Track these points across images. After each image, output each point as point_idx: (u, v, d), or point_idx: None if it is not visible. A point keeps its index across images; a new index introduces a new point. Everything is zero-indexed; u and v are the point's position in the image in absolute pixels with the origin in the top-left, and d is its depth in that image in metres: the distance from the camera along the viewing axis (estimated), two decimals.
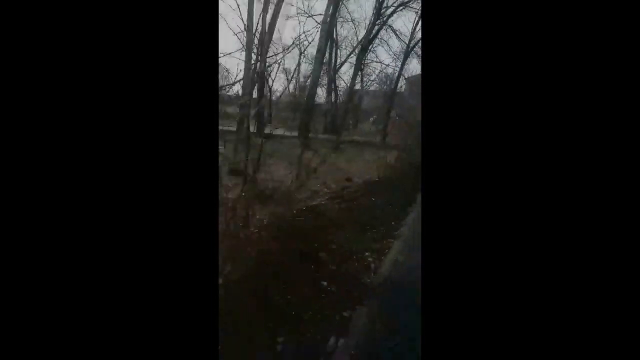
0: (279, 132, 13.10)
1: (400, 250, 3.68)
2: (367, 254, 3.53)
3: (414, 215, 4.91)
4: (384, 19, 14.80)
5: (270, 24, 13.86)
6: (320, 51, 12.84)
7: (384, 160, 8.82)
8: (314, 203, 5.25)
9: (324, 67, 18.66)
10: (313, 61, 13.42)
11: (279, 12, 13.22)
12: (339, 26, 15.67)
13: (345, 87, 16.72)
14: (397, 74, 16.11)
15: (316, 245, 3.58)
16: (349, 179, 7.38)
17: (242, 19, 12.93)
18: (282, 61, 18.97)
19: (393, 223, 4.52)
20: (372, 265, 3.30)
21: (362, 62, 15.86)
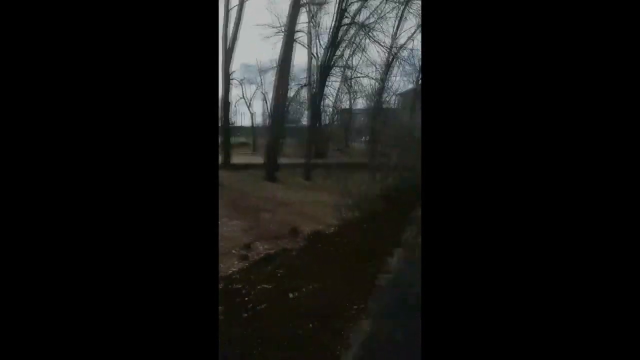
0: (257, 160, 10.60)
1: None
2: None
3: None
4: (351, 16, 12.06)
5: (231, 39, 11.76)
6: (286, 62, 10.47)
7: (363, 191, 6.03)
8: None
9: (300, 85, 16.06)
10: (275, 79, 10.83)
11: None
12: (308, 35, 12.88)
13: (328, 107, 14.08)
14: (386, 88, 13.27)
15: None
16: (293, 231, 4.59)
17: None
18: (262, 83, 16.52)
19: None
20: None
21: (333, 73, 13.11)
